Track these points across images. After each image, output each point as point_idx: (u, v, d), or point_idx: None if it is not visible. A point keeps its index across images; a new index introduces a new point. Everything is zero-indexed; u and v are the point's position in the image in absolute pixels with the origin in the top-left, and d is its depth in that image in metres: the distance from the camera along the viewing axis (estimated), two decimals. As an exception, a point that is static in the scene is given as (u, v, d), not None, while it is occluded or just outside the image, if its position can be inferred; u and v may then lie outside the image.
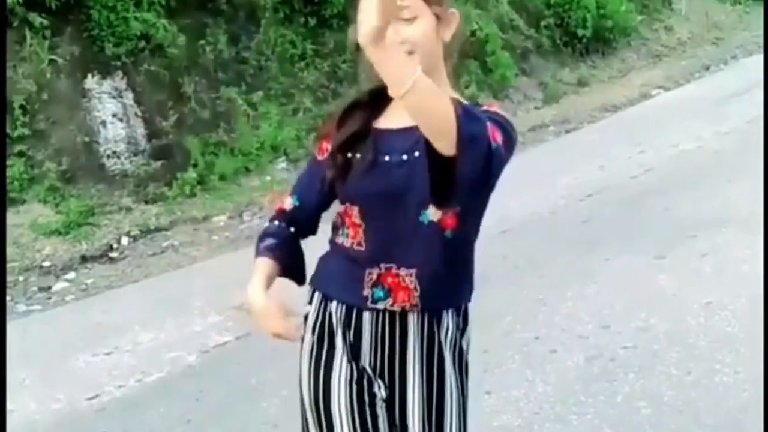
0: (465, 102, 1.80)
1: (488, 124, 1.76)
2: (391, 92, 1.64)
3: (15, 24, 6.94)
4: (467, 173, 1.71)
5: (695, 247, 5.36)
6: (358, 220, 2.02)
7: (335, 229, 2.10)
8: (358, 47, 2.01)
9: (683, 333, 4.20)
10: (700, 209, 6.07)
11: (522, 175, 7.54)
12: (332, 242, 2.10)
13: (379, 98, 2.03)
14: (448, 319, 2.07)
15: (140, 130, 7.56)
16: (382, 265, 1.99)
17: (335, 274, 2.08)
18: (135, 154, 7.49)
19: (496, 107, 1.96)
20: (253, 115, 8.31)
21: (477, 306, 1.96)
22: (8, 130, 6.83)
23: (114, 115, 7.41)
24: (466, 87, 9.96)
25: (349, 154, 2.01)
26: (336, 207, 2.11)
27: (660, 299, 4.64)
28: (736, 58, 13.08)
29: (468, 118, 1.67)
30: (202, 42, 8.15)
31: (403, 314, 2.02)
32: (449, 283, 2.04)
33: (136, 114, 7.55)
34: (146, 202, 7.35)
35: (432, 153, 1.70)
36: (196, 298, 5.29)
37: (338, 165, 2.02)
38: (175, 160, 7.68)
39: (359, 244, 2.02)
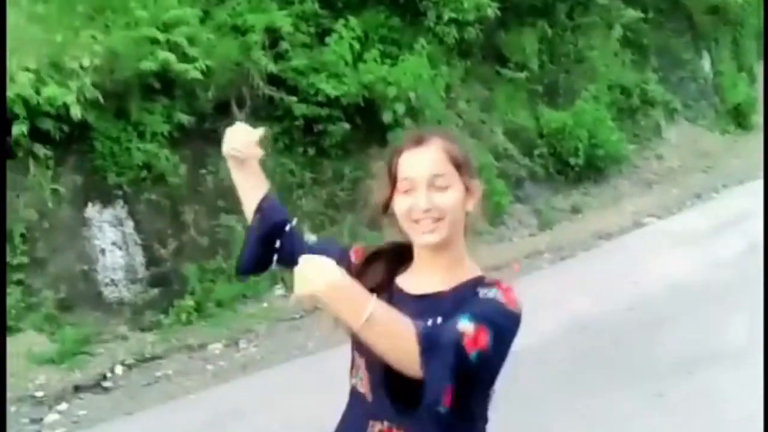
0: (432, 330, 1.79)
1: (470, 329, 1.77)
2: (352, 326, 1.70)
3: (20, 155, 7.08)
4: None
5: (691, 384, 5.36)
6: (365, 371, 2.04)
7: (351, 369, 2.12)
8: (384, 210, 2.06)
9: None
10: (695, 344, 6.09)
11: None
12: (350, 383, 2.13)
13: (401, 252, 2.11)
14: None
15: (139, 258, 7.62)
16: (385, 422, 2.00)
17: (346, 422, 2.13)
18: (133, 282, 7.53)
19: (499, 290, 1.94)
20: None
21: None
22: (8, 259, 6.89)
23: (113, 244, 7.49)
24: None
25: None
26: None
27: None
28: (726, 186, 13.32)
29: (429, 352, 1.70)
30: (203, 171, 8.31)
31: None
32: None
33: (135, 242, 7.63)
34: (142, 330, 7.35)
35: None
36: (189, 432, 5.25)
37: None
38: (173, 287, 7.72)
39: (367, 393, 2.05)
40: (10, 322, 6.75)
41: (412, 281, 2.07)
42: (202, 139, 8.39)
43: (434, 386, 1.71)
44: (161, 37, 7.68)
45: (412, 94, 9.42)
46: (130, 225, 7.64)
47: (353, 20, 9.51)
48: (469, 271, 2.07)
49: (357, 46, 9.46)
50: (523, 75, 12.07)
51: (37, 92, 6.82)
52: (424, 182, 1.96)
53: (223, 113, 8.56)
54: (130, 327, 7.32)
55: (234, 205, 8.47)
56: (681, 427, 4.76)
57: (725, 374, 5.49)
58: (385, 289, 2.06)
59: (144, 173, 7.71)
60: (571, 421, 4.94)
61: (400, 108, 9.35)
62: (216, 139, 8.37)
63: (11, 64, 6.74)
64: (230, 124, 8.09)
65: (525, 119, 12.00)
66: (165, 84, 7.90)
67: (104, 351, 6.98)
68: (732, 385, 5.30)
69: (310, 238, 2.32)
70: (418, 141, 2.01)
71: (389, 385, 1.84)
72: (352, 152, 9.44)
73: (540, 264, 9.43)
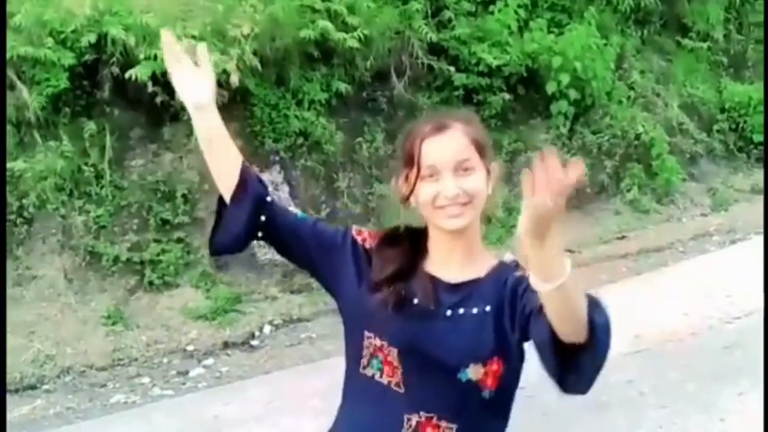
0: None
1: None
2: (534, 285, 1.63)
3: (183, 118, 7.42)
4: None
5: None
6: (395, 362, 1.98)
7: (358, 360, 2.03)
8: (407, 198, 2.02)
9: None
10: None
11: (670, 289, 7.27)
12: (358, 374, 2.03)
13: (418, 237, 2.08)
14: None
15: (292, 223, 7.82)
16: (422, 413, 1.95)
17: (368, 421, 2.02)
18: (286, 245, 7.75)
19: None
20: (405, 213, 8.43)
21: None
22: (169, 217, 7.27)
23: (268, 207, 7.71)
24: (628, 190, 9.75)
25: (403, 292, 2.00)
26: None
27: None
28: None
29: (599, 313, 1.69)
30: (359, 139, 8.41)
31: None
32: None
33: (289, 207, 7.82)
34: (292, 292, 7.56)
35: (556, 340, 1.70)
36: (316, 396, 5.35)
37: (393, 300, 1.99)
38: (324, 252, 7.88)
39: (397, 385, 1.98)
40: (168, 278, 7.15)
41: (441, 269, 2.03)
42: (359, 107, 8.51)
43: (595, 372, 1.73)
44: (321, 5, 7.80)
45: (578, 64, 9.11)
46: (285, 190, 7.86)
47: (520, -12, 9.30)
48: (487, 253, 2.05)
49: (522, 14, 9.24)
50: (705, 45, 11.39)
51: (200, 59, 7.08)
52: (450, 168, 1.95)
53: (381, 82, 8.62)
54: (281, 288, 7.55)
55: (388, 175, 8.59)
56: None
57: None
58: (411, 275, 2.02)
59: (300, 140, 7.90)
60: (705, 419, 4.70)
61: (565, 79, 9.08)
62: (374, 108, 8.58)
63: (177, 29, 7.04)
64: (390, 93, 8.06)
65: (705, 92, 11.32)
66: (324, 52, 8.04)
67: (254, 310, 7.25)
68: None
69: (297, 211, 2.27)
70: (440, 127, 1.98)
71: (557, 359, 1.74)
72: (511, 123, 9.28)
73: (707, 247, 8.94)
